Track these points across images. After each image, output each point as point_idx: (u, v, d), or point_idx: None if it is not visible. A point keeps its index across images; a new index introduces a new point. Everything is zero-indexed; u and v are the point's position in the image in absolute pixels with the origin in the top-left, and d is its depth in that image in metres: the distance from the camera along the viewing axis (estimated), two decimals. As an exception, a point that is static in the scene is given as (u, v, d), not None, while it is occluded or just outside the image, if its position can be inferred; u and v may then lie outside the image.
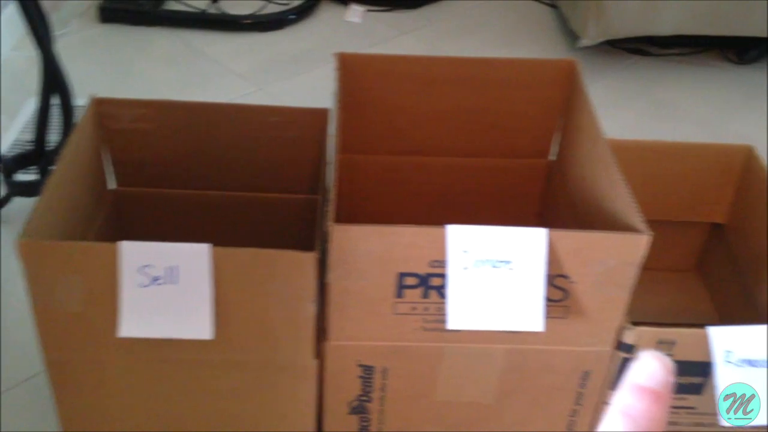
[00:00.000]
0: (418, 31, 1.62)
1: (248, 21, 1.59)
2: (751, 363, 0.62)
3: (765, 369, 0.62)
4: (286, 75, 1.44)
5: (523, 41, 1.60)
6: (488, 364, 0.66)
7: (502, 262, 0.58)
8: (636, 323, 0.64)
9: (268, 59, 1.49)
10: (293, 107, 0.77)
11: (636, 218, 0.59)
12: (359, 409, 0.69)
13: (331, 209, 0.58)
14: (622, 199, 0.62)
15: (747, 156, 0.86)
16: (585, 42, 1.42)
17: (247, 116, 0.76)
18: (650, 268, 0.99)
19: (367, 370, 0.66)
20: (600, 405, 0.69)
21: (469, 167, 0.90)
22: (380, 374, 0.67)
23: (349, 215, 0.93)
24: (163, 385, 0.65)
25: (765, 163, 0.84)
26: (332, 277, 0.59)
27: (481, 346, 0.65)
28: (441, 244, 0.58)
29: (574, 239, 0.58)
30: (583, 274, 0.60)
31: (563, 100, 0.82)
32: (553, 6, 1.70)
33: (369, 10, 1.68)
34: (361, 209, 0.93)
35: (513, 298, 0.59)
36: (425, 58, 0.80)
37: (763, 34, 1.46)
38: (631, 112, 1.39)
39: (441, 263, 0.59)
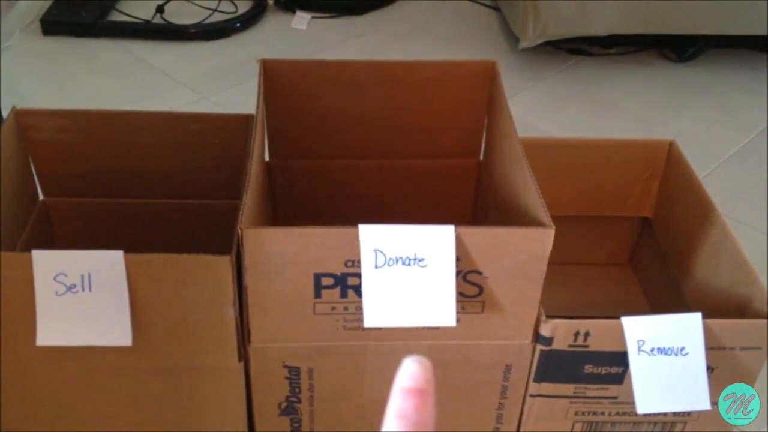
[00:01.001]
0: (364, 36, 1.64)
1: (193, 30, 1.59)
2: (663, 351, 0.64)
3: (677, 357, 0.64)
4: (231, 83, 1.44)
5: (467, 44, 1.62)
6: (411, 361, 0.67)
7: (413, 259, 0.59)
8: (551, 316, 0.65)
9: (212, 68, 1.49)
10: (216, 113, 0.78)
11: (542, 213, 0.60)
12: (289, 410, 0.70)
13: (243, 213, 0.58)
14: (531, 196, 0.63)
15: (669, 150, 0.89)
16: (524, 44, 1.44)
17: (169, 124, 0.76)
18: (585, 263, 1.02)
19: (293, 371, 0.67)
20: (526, 397, 0.71)
21: (402, 169, 0.91)
22: (306, 374, 0.67)
23: (286, 220, 0.94)
24: (88, 392, 0.65)
25: (685, 157, 0.86)
26: (249, 279, 0.60)
27: (403, 343, 0.66)
28: (354, 244, 0.59)
29: (482, 235, 0.59)
30: (494, 269, 0.61)
31: (486, 100, 0.84)
32: (496, 9, 1.73)
33: (315, 17, 1.69)
34: (298, 214, 0.93)
35: (426, 294, 0.60)
36: (349, 62, 0.82)
37: (700, 32, 1.50)
38: (572, 112, 1.42)
39: (356, 263, 0.60)
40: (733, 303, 0.72)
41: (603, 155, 0.91)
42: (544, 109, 1.42)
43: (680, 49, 1.57)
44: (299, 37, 1.63)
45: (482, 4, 1.77)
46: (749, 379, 0.69)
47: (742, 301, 0.70)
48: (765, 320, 0.65)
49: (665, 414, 0.71)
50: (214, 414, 0.68)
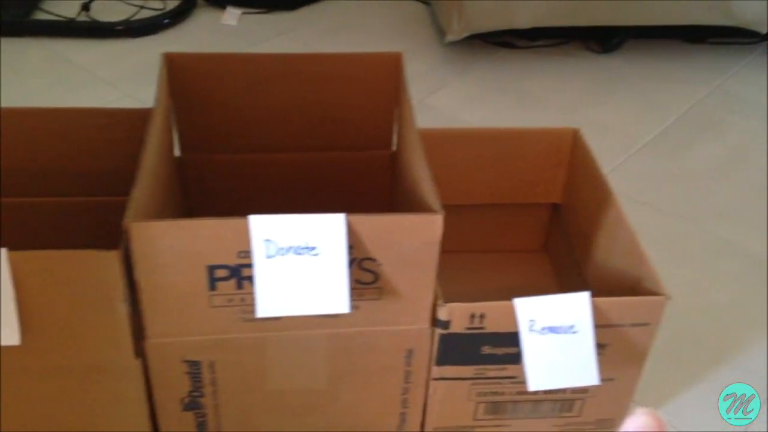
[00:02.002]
0: (294, 32, 1.64)
1: (120, 27, 1.57)
2: (553, 330, 0.66)
3: (567, 335, 0.66)
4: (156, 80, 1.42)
5: (397, 38, 1.63)
6: (313, 349, 0.68)
7: (305, 248, 0.60)
8: (448, 301, 0.67)
9: (138, 65, 1.47)
10: (119, 108, 0.77)
11: (432, 200, 0.62)
12: (192, 405, 0.70)
13: (131, 207, 0.58)
14: (424, 183, 0.64)
15: (574, 138, 0.91)
16: (450, 38, 1.46)
17: (69, 119, 0.76)
18: (501, 250, 1.04)
19: (194, 366, 0.67)
20: (429, 381, 0.72)
21: (315, 162, 0.92)
22: (208, 368, 0.68)
23: (201, 215, 0.94)
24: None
25: (588, 144, 0.89)
26: (139, 274, 0.60)
27: (303, 333, 0.67)
28: (247, 235, 0.59)
29: (373, 223, 0.60)
30: (388, 256, 0.62)
31: (394, 92, 0.85)
32: (428, 4, 1.75)
33: (245, 13, 1.69)
34: (213, 209, 0.93)
35: (319, 282, 0.61)
36: (254, 55, 0.82)
37: (621, 23, 1.53)
38: (499, 103, 1.44)
39: (249, 253, 0.60)
40: (627, 283, 0.74)
41: (513, 144, 0.93)
42: (471, 101, 1.44)
43: (604, 40, 1.61)
44: (230, 33, 1.62)
45: (413, -2, 1.78)
46: (641, 354, 0.71)
47: (633, 281, 0.73)
48: (652, 297, 0.68)
49: (564, 391, 0.73)
50: (115, 412, 0.67)
